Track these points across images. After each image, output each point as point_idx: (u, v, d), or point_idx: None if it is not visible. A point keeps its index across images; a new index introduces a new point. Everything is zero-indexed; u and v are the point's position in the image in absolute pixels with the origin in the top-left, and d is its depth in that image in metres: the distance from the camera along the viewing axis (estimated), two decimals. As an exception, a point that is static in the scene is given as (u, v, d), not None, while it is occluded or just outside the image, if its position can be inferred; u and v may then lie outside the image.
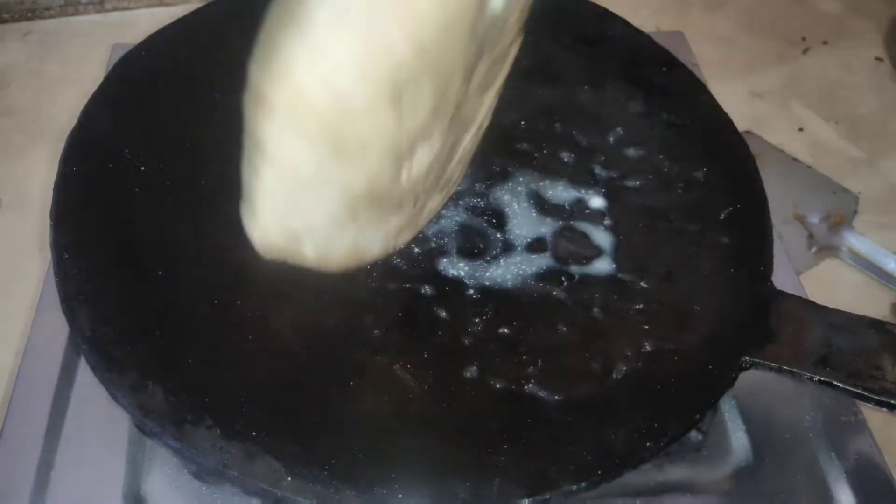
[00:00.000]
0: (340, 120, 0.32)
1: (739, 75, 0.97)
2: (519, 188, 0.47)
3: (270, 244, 0.37)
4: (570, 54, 0.54)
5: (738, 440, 0.44)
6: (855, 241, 0.79)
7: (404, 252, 0.43)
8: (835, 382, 0.37)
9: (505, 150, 0.49)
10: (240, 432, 0.33)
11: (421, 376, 0.38)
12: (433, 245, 0.44)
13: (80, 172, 0.42)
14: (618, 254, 0.45)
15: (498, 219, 0.46)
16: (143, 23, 0.67)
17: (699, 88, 0.53)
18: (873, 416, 0.44)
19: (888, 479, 0.42)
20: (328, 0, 0.30)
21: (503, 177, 0.48)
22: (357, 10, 0.31)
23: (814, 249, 0.80)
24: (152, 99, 0.47)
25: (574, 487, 0.33)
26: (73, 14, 0.98)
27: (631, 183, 0.48)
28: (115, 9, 0.99)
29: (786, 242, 0.53)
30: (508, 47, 0.39)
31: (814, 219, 0.82)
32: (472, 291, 0.42)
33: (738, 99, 0.94)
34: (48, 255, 0.39)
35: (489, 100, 0.41)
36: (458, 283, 0.42)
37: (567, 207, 0.47)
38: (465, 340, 0.40)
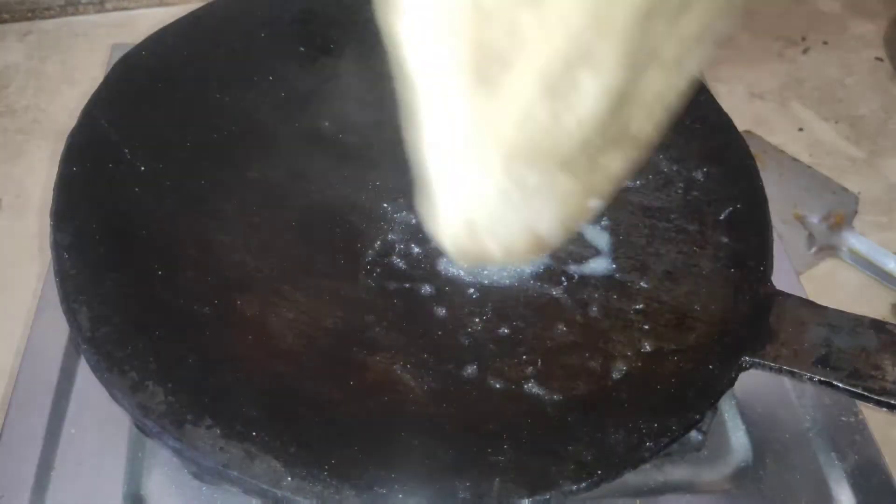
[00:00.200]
0: (477, 18, 0.27)
1: (739, 75, 0.97)
2: (519, 188, 0.47)
3: (460, 246, 0.38)
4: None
5: (738, 440, 0.44)
6: (855, 241, 0.79)
7: (404, 252, 0.43)
8: (835, 382, 0.37)
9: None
10: (240, 432, 0.33)
11: (421, 376, 0.38)
12: (433, 245, 0.44)
13: (80, 172, 0.42)
14: (617, 253, 0.45)
15: (498, 219, 0.46)
16: (143, 23, 0.67)
17: (699, 88, 0.53)
18: (873, 416, 0.44)
19: (888, 479, 0.42)
20: None
21: (503, 177, 0.48)
22: None
23: (814, 249, 0.80)
24: (152, 99, 0.47)
25: (574, 487, 0.33)
26: (73, 14, 0.99)
27: (630, 183, 0.48)
28: (115, 9, 0.99)
29: (786, 242, 0.53)
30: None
31: (814, 219, 0.82)
32: (471, 291, 0.42)
33: (738, 99, 0.95)
34: (48, 255, 0.39)
35: (689, 31, 0.32)
36: (457, 283, 0.42)
37: (567, 207, 0.47)
38: (465, 340, 0.40)
